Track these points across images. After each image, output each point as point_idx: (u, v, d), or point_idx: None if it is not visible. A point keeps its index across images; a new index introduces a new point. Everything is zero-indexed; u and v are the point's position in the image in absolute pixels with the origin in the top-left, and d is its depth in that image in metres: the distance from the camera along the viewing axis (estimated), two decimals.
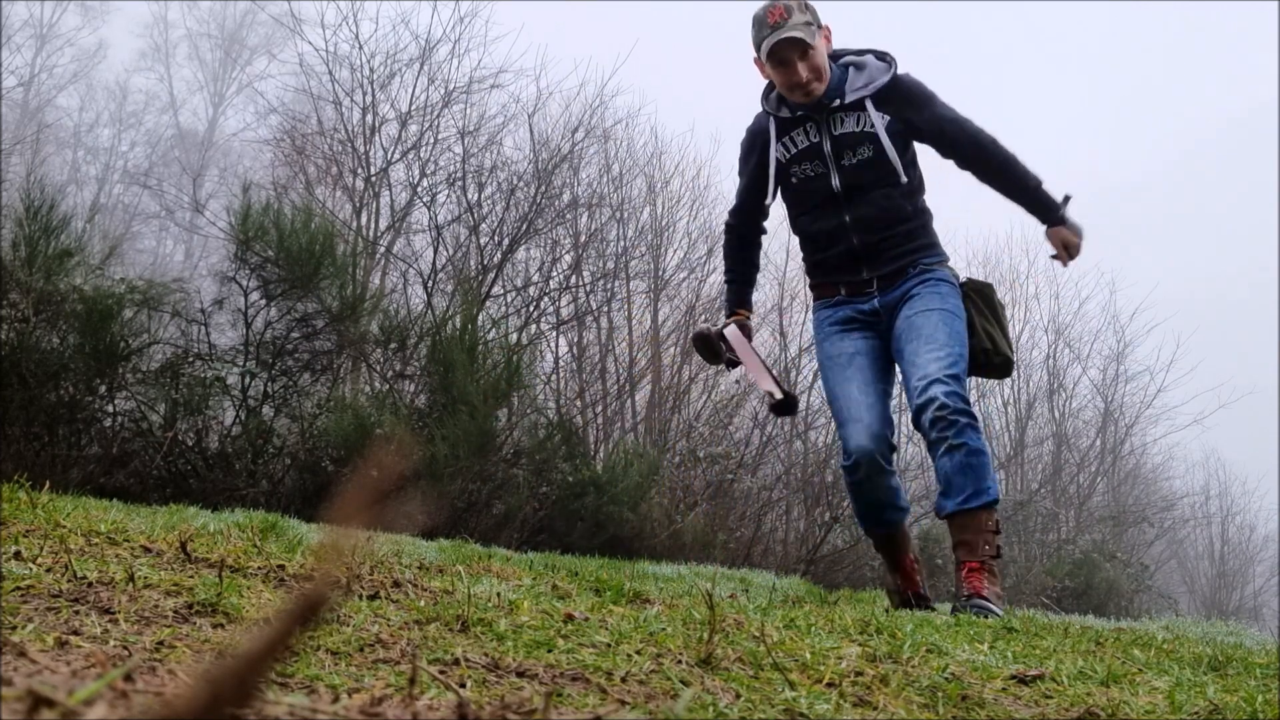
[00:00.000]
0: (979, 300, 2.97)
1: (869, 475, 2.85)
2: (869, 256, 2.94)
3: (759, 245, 3.28)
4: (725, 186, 12.27)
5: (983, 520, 2.69)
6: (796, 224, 3.06)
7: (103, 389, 5.89)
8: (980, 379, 3.53)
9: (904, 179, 2.91)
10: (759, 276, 3.42)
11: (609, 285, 10.73)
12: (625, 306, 10.81)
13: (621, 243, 10.96)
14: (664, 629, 1.25)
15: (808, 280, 3.15)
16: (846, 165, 2.90)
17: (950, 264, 3.03)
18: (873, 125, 2.88)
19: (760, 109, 3.03)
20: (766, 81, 2.99)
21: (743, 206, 3.15)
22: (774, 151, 2.98)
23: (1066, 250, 2.95)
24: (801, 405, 10.79)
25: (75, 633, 0.89)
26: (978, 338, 2.91)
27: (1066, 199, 2.96)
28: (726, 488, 9.41)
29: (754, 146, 3.07)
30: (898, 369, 2.93)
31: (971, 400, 2.77)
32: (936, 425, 2.66)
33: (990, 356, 2.91)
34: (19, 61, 22.88)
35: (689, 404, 10.60)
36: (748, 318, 3.21)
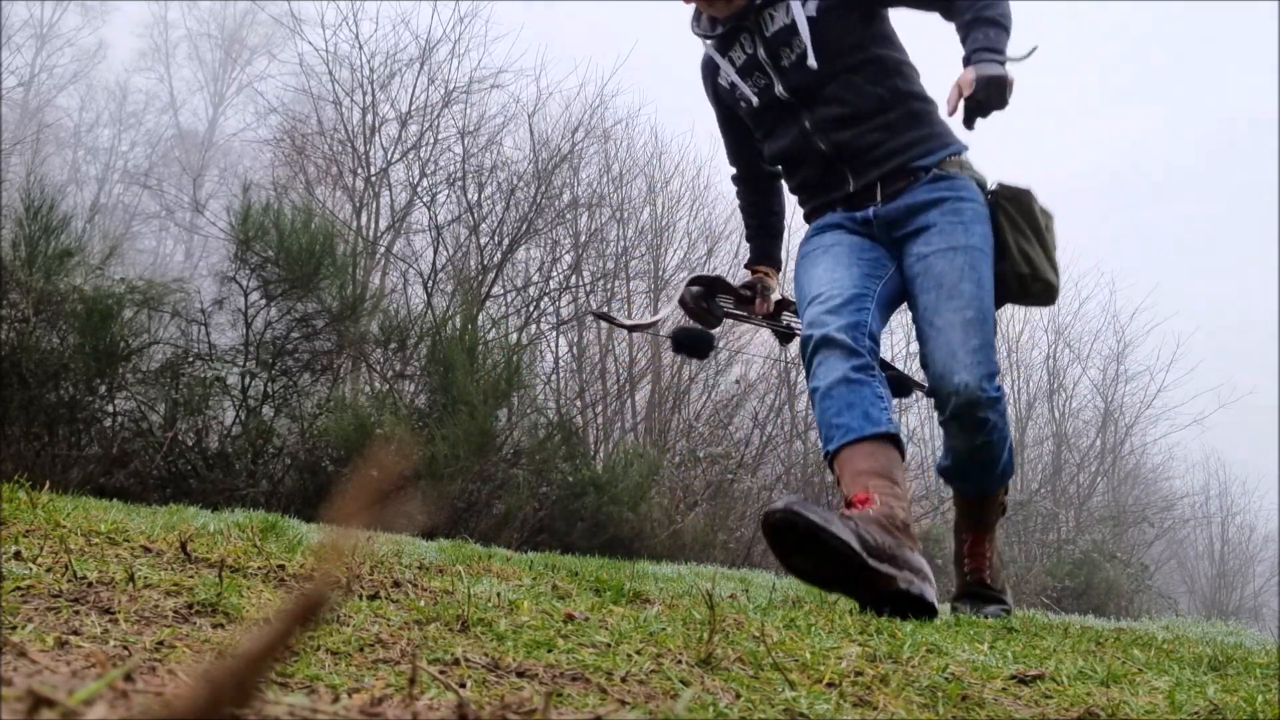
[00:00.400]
0: (1013, 211, 2.39)
1: (829, 357, 2.22)
2: (848, 160, 2.41)
3: (775, 190, 2.77)
4: (725, 187, 12.29)
5: (1001, 492, 2.51)
6: (768, 153, 2.59)
7: (103, 389, 5.89)
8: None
9: (862, 61, 2.38)
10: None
11: (609, 285, 10.73)
12: (625, 306, 10.81)
13: (621, 243, 10.98)
14: (664, 629, 1.25)
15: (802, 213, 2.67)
16: (786, 66, 2.41)
17: (970, 162, 2.45)
18: (793, 13, 2.39)
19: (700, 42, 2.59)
20: (691, 7, 2.54)
21: (732, 153, 2.74)
22: (723, 79, 2.54)
23: (959, 90, 2.20)
24: (799, 406, 10.79)
25: (75, 633, 0.89)
26: (1011, 260, 2.36)
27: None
28: (726, 488, 9.41)
29: (707, 85, 2.64)
30: (911, 318, 2.44)
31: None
32: (958, 421, 2.21)
33: (1028, 283, 2.38)
34: (19, 61, 22.89)
35: (689, 404, 10.60)
36: (766, 274, 2.76)
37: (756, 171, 2.73)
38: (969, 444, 2.26)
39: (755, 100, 2.48)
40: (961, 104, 2.21)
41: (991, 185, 2.44)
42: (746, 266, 2.81)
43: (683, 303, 2.74)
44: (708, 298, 2.72)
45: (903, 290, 2.41)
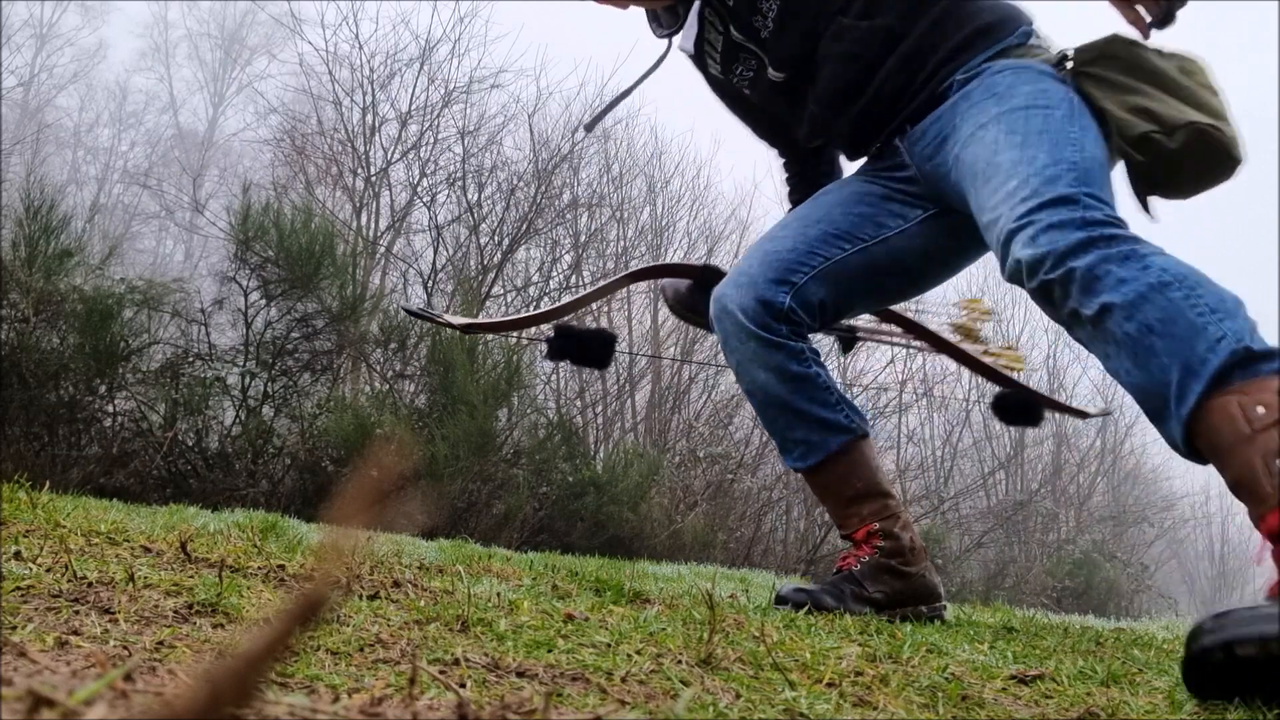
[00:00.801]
0: (1102, 70, 1.63)
1: (745, 352, 1.84)
2: (875, 131, 1.85)
3: (829, 158, 2.18)
4: (725, 187, 12.29)
5: (1232, 413, 1.22)
6: (800, 138, 2.06)
7: (103, 389, 5.89)
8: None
9: None
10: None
11: None
12: (625, 306, 10.81)
13: (621, 243, 10.98)
14: (664, 629, 1.25)
15: None
16: (767, 37, 1.85)
17: (1043, 45, 1.75)
18: None
19: (669, 44, 2.04)
20: (642, 10, 2.01)
21: (761, 135, 2.19)
22: (713, 69, 2.02)
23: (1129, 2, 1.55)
24: None
25: (75, 633, 0.89)
26: (1120, 125, 1.57)
27: None
28: (726, 488, 9.41)
29: (703, 75, 2.10)
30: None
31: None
32: (1046, 298, 1.43)
33: (1159, 145, 1.54)
34: (19, 61, 22.88)
35: (689, 404, 10.59)
36: None
37: (796, 145, 2.14)
38: (1085, 322, 1.37)
39: (751, 93, 1.97)
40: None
41: (1069, 55, 1.71)
42: None
43: (668, 303, 2.21)
44: (700, 292, 2.13)
45: (928, 247, 1.87)
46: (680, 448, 9.76)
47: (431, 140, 10.00)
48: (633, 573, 2.85)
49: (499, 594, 1.44)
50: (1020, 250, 1.44)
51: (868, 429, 1.89)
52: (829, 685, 1.00)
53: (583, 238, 10.70)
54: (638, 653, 1.06)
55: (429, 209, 9.93)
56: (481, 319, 2.28)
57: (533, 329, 2.41)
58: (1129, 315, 1.32)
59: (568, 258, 10.67)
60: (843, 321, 2.28)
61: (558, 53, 19.79)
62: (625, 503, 7.24)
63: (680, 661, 1.03)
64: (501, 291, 10.14)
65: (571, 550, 6.02)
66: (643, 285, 11.13)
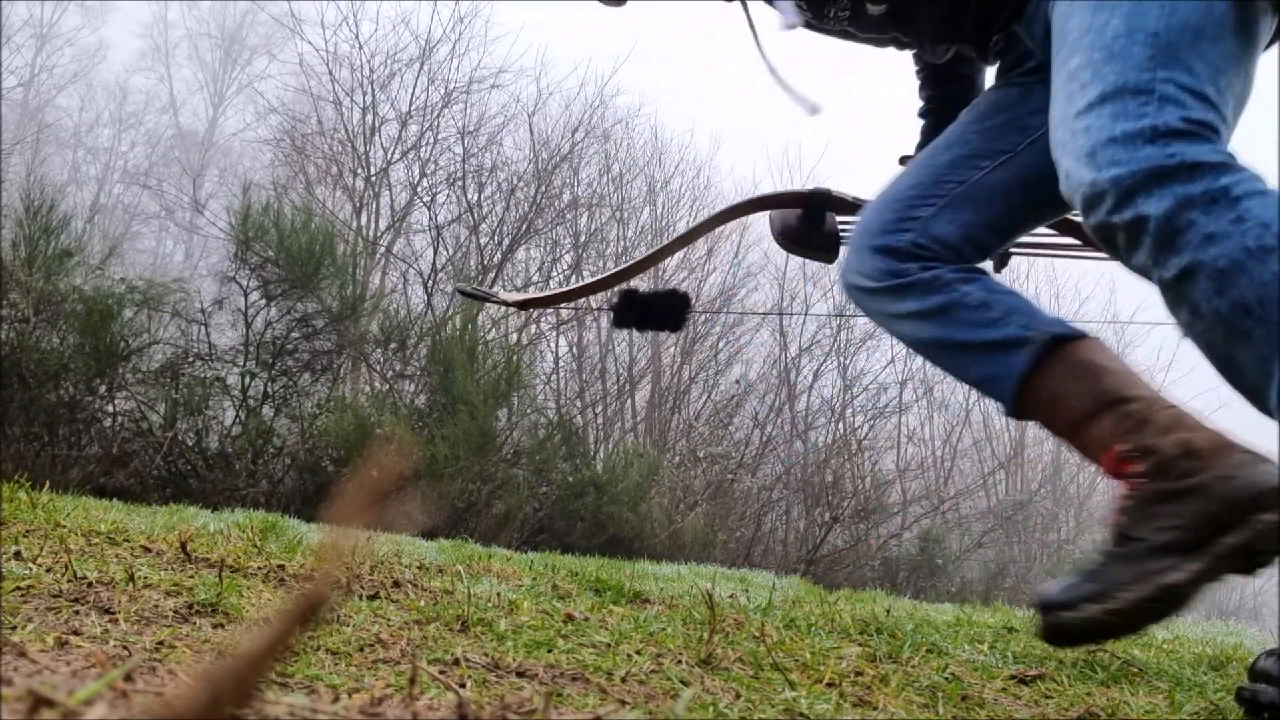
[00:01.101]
0: None
1: (865, 310, 1.59)
2: (993, 34, 1.55)
3: (973, 84, 1.84)
4: (725, 186, 12.30)
5: None
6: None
7: (103, 389, 5.89)
8: None
9: None
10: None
11: None
12: None
13: (621, 243, 10.98)
14: (664, 629, 1.25)
15: None
16: None
17: None
18: None
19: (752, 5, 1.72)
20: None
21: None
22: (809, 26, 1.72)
23: None
24: (799, 406, 10.77)
25: (75, 633, 0.89)
26: None
27: None
28: (726, 488, 9.41)
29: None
30: None
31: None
32: (1107, 240, 1.19)
33: None
34: (19, 61, 22.88)
35: (689, 404, 10.60)
36: None
37: (951, 83, 1.86)
38: (1163, 287, 1.15)
39: (854, 28, 1.69)
40: None
41: None
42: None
43: (776, 236, 1.99)
44: (814, 221, 1.92)
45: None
46: (680, 448, 9.76)
47: (431, 140, 10.01)
48: (633, 573, 2.85)
49: (499, 594, 1.44)
50: (1075, 168, 1.17)
51: (1064, 330, 1.41)
52: (829, 685, 1.00)
53: (583, 238, 10.71)
54: (638, 653, 1.06)
55: (429, 209, 9.94)
56: (537, 294, 2.17)
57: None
58: (1220, 289, 1.09)
59: (568, 258, 10.68)
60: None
61: (558, 53, 19.81)
62: (625, 503, 7.24)
63: (680, 661, 1.03)
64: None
65: (571, 550, 6.02)
66: (641, 286, 11.12)
